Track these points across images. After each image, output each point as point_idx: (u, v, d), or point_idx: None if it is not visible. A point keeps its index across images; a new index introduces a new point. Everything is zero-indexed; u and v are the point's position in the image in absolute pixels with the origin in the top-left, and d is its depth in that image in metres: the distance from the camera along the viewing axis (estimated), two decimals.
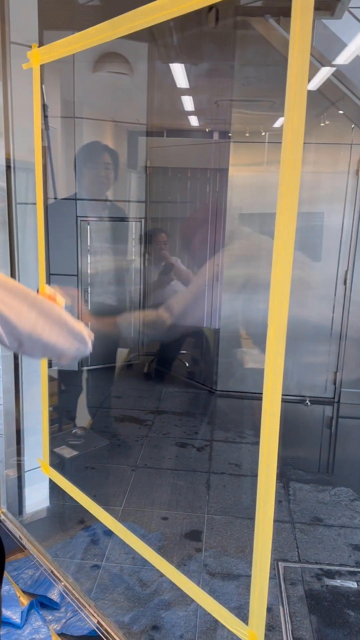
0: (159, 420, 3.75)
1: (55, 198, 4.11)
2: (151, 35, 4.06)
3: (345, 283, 3.93)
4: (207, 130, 4.61)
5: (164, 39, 3.98)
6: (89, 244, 4.28)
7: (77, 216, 4.14)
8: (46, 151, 3.99)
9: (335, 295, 3.95)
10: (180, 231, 4.50)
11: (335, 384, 4.07)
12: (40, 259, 2.04)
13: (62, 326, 1.17)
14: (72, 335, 1.19)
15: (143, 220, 4.57)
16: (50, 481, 2.48)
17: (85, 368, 4.49)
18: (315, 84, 3.59)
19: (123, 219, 4.47)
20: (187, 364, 4.62)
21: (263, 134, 4.02)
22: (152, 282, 4.53)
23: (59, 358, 1.22)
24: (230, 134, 3.95)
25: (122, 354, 4.61)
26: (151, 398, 4.16)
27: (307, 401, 3.86)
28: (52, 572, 2.13)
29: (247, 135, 3.98)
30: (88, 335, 1.25)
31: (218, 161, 4.06)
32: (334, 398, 4.09)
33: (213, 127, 4.40)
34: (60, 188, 4.11)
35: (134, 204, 4.57)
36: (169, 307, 2.49)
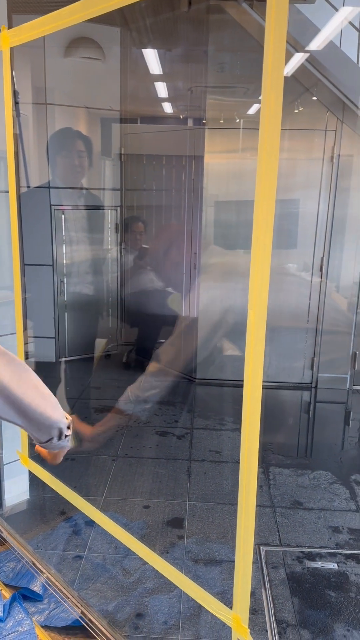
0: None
1: (29, 187, 4.04)
2: (123, 19, 4.00)
3: (321, 269, 3.96)
4: (181, 117, 4.57)
5: (137, 24, 3.91)
6: (63, 234, 4.22)
7: (50, 205, 4.07)
8: (18, 139, 3.91)
9: (311, 282, 3.98)
10: (157, 223, 4.47)
11: (312, 369, 4.11)
12: (14, 249, 2.00)
13: (35, 387, 1.08)
14: (46, 400, 1.10)
15: (119, 209, 4.53)
16: (30, 473, 2.46)
17: (63, 359, 4.45)
18: (289, 69, 3.59)
19: (98, 208, 4.42)
20: None
21: (238, 120, 4.00)
22: (129, 270, 4.50)
23: (34, 427, 1.10)
24: (205, 120, 3.92)
25: (100, 344, 4.58)
26: None
27: None
28: (33, 564, 2.11)
29: (222, 122, 3.96)
30: (63, 416, 1.15)
31: (193, 148, 4.04)
32: (311, 383, 4.14)
33: (187, 114, 4.37)
34: (33, 176, 4.04)
35: (108, 192, 4.51)
36: (156, 357, 2.46)
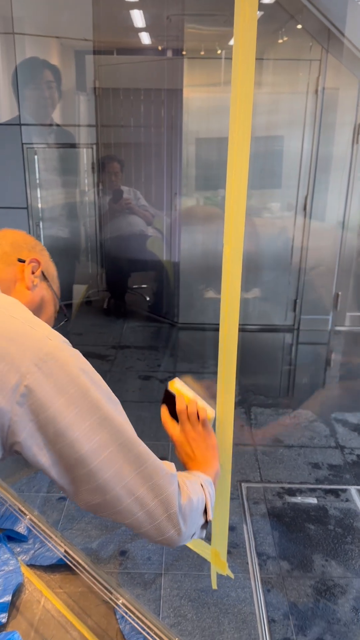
0: (122, 355, 3.73)
1: None
2: None
3: (305, 209, 3.87)
4: (159, 48, 4.32)
5: None
6: (37, 175, 4.04)
7: (22, 143, 3.88)
8: None
9: (295, 222, 3.90)
10: (135, 162, 4.29)
11: (294, 311, 4.10)
12: None
13: (148, 479, 0.83)
14: (161, 503, 0.84)
15: (94, 147, 4.33)
16: None
17: None
18: None
19: (73, 145, 4.22)
20: (148, 298, 4.57)
21: (219, 51, 3.78)
22: (107, 213, 4.36)
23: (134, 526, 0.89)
24: (184, 51, 3.70)
25: (79, 290, 4.50)
26: (112, 334, 4.11)
27: None
28: (17, 507, 2.13)
29: (202, 52, 3.74)
30: (187, 526, 0.89)
31: (172, 81, 3.83)
32: (293, 325, 4.13)
33: (166, 45, 4.12)
34: (3, 112, 3.83)
35: (84, 129, 4.29)
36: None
